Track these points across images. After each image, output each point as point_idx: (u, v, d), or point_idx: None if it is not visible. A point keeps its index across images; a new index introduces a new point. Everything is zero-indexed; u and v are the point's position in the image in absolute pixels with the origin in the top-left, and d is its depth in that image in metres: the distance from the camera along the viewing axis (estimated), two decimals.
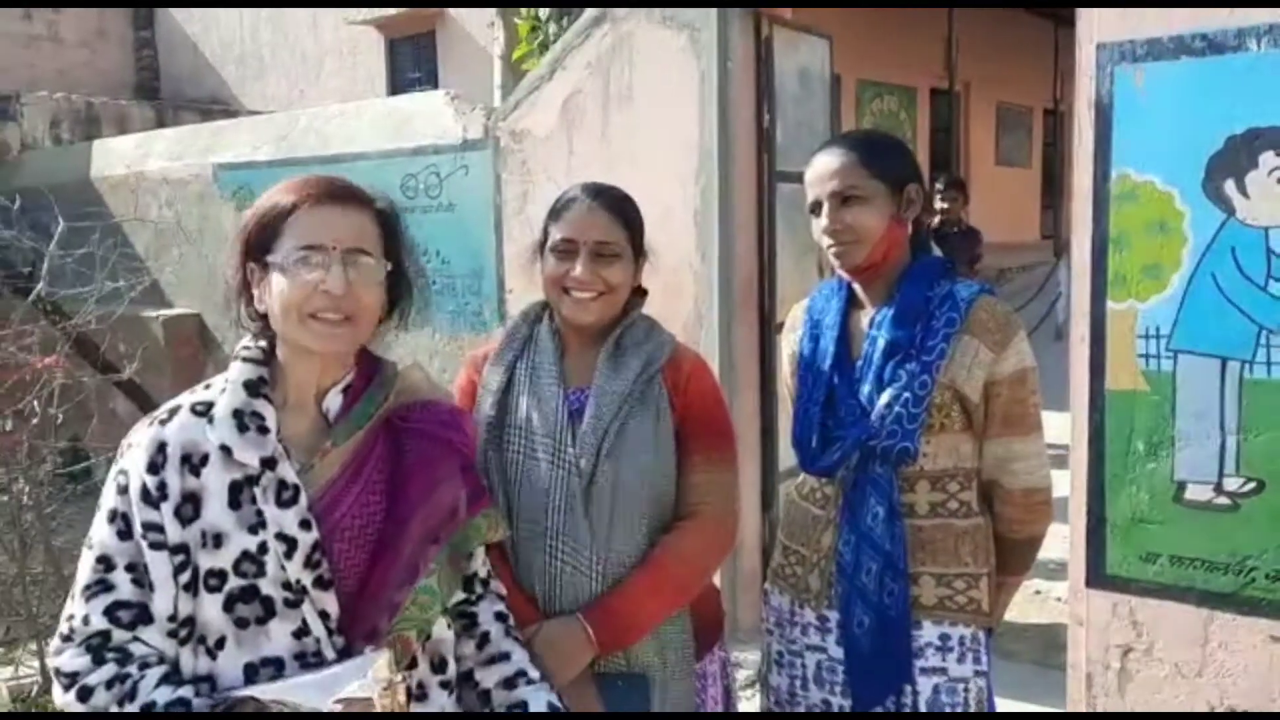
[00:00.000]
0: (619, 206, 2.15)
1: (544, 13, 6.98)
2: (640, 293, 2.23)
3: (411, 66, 15.19)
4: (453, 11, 14.07)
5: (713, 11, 4.35)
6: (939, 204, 7.01)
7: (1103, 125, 2.89)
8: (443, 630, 1.78)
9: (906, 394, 2.11)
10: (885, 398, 2.13)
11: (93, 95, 11.61)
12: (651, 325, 2.22)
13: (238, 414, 1.64)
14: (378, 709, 1.55)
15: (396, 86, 14.77)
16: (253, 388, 1.67)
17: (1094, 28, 2.89)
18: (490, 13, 9.12)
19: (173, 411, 1.67)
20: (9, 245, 5.23)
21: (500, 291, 5.29)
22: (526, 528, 2.05)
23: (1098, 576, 3.01)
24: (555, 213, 2.16)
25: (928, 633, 2.16)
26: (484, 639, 1.85)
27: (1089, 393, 2.97)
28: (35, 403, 4.31)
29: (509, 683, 1.83)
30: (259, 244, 1.68)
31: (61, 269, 4.95)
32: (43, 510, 4.32)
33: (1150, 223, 2.84)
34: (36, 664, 4.25)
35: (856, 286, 2.29)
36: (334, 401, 1.73)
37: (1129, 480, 2.93)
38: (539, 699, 1.81)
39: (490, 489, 2.00)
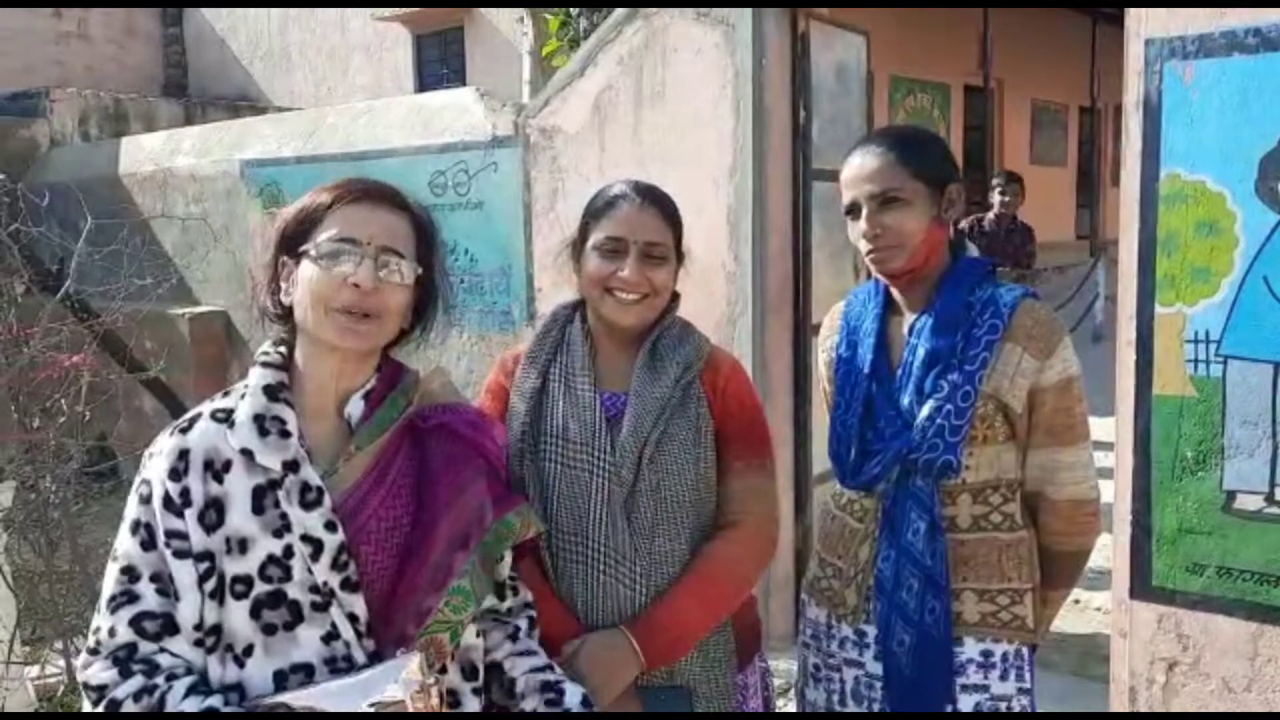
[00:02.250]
0: (666, 207, 2.10)
1: (574, 9, 6.95)
2: (674, 296, 2.17)
3: (439, 63, 15.21)
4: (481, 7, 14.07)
5: (747, 8, 4.28)
6: (997, 198, 6.96)
7: (1151, 124, 2.82)
8: (472, 637, 1.75)
9: (948, 406, 2.03)
10: (926, 410, 2.06)
11: (121, 92, 11.65)
12: (686, 328, 2.16)
13: (258, 418, 1.64)
14: (410, 711, 1.53)
15: (424, 83, 14.80)
16: (272, 392, 1.67)
17: (1142, 24, 2.82)
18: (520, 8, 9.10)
19: (193, 420, 1.68)
20: (37, 242, 5.22)
21: (529, 290, 5.25)
22: (566, 538, 2.00)
23: (1142, 587, 2.94)
24: (598, 211, 2.09)
25: (969, 649, 2.09)
26: (516, 631, 1.82)
27: (1135, 398, 2.90)
28: (63, 401, 4.31)
29: (539, 670, 1.79)
30: (294, 237, 1.69)
31: (89, 266, 4.95)
32: (69, 508, 4.31)
33: (1200, 224, 2.76)
34: (63, 663, 4.23)
35: (894, 291, 2.21)
36: (356, 407, 1.72)
37: (1176, 489, 2.85)
38: (574, 691, 1.77)
39: (526, 498, 1.96)
